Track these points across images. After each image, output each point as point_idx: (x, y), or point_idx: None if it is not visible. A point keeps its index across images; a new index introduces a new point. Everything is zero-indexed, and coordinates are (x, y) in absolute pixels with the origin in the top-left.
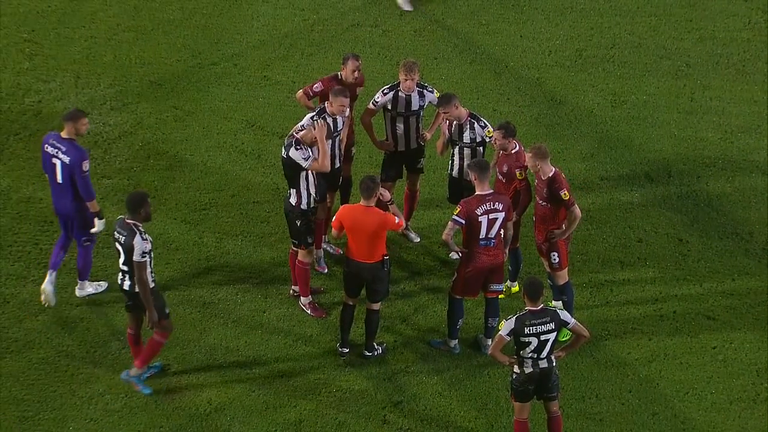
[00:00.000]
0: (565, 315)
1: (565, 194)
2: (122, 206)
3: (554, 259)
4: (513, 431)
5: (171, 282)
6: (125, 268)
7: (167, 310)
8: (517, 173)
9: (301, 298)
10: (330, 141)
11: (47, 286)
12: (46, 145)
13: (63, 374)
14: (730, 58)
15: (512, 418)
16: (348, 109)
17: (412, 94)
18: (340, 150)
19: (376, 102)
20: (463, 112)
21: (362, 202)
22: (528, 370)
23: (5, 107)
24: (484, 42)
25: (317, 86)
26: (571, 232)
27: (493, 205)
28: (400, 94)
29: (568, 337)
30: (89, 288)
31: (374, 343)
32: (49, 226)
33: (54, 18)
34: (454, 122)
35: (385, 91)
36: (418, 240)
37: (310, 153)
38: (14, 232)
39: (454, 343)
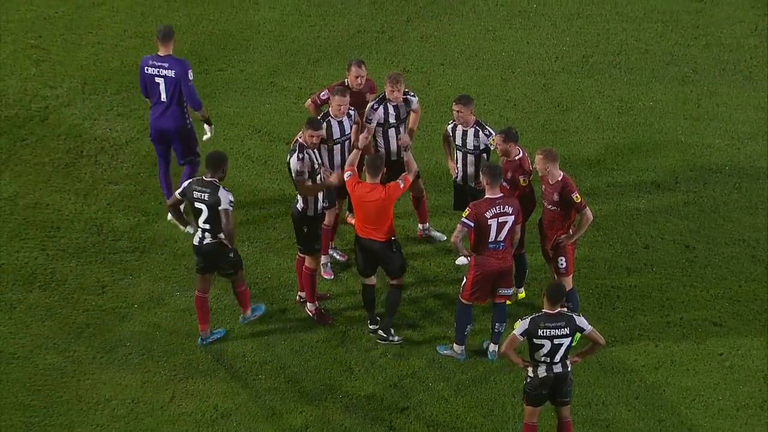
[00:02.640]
0: (581, 321)
1: (576, 197)
2: (130, 212)
3: (561, 264)
4: None
5: (177, 288)
6: (207, 226)
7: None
8: (521, 180)
9: (308, 304)
10: (338, 146)
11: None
12: (146, 68)
13: (69, 380)
14: (736, 65)
15: (518, 424)
16: (353, 111)
17: (399, 104)
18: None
19: (371, 120)
20: (471, 118)
21: (369, 180)
22: (542, 374)
23: (12, 113)
24: (490, 48)
25: (324, 94)
26: (580, 236)
27: (503, 209)
28: (389, 105)
29: (574, 343)
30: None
31: (392, 329)
32: (56, 232)
33: (61, 24)
34: (459, 127)
35: (375, 107)
36: (445, 238)
37: (306, 170)
38: (21, 237)
39: (460, 349)
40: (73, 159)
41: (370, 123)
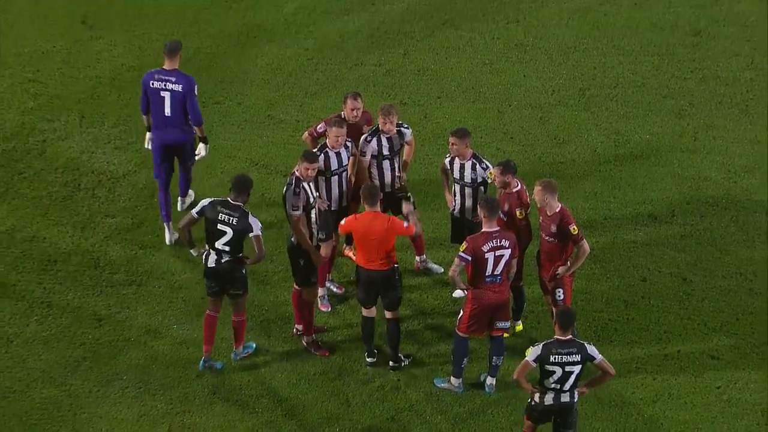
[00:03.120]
0: (592, 350)
1: (573, 229)
2: (127, 245)
3: (559, 296)
4: None
5: (174, 321)
6: (227, 248)
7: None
8: (518, 212)
9: (305, 336)
10: (336, 177)
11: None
12: (151, 82)
13: (66, 414)
14: (733, 98)
15: None
16: (350, 143)
17: (392, 136)
18: (348, 187)
19: (365, 153)
20: (467, 151)
21: (368, 209)
22: (548, 402)
23: (10, 147)
24: (487, 81)
25: (321, 127)
26: (577, 268)
27: (500, 242)
28: (382, 137)
29: None
30: (187, 199)
31: (400, 354)
32: (53, 265)
33: (58, 58)
34: (457, 160)
35: (368, 139)
36: (442, 270)
37: (300, 204)
38: (18, 270)
39: (458, 382)
40: (70, 192)
41: (364, 155)
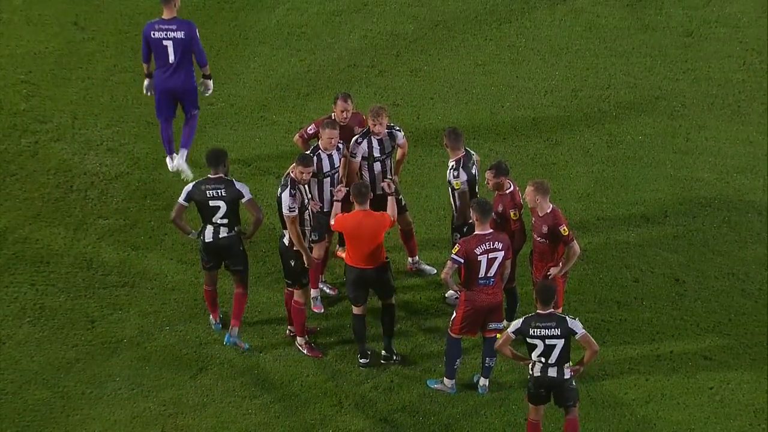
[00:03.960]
0: (574, 324)
1: (564, 230)
2: (119, 247)
3: None
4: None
5: (167, 322)
6: (225, 221)
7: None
8: (512, 213)
9: (297, 338)
10: (328, 179)
11: (180, 162)
12: (152, 32)
13: (59, 416)
14: (725, 99)
15: None
16: (342, 145)
17: (383, 137)
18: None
19: (355, 155)
20: (460, 154)
21: (358, 208)
22: (537, 374)
23: (2, 148)
24: (480, 82)
25: (311, 128)
26: (569, 268)
27: (493, 245)
28: (373, 139)
29: None
30: (185, 167)
31: (393, 348)
32: (46, 267)
33: (51, 59)
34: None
35: (359, 141)
36: (435, 271)
37: (296, 205)
38: (10, 272)
39: (451, 383)
40: (62, 194)
41: (354, 157)
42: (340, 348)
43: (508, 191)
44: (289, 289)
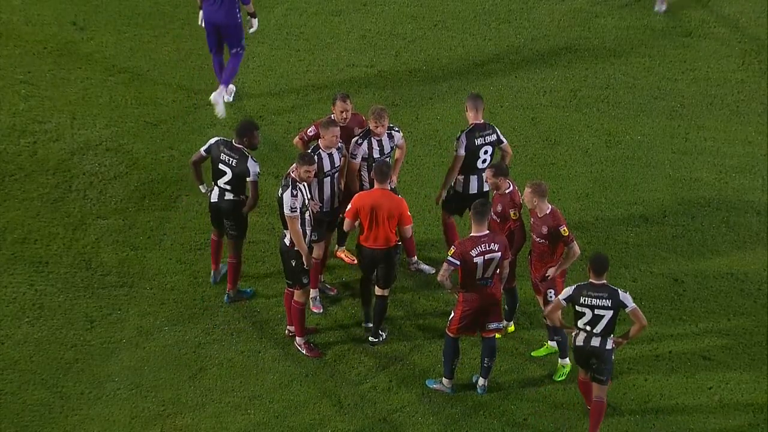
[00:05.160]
0: (625, 297)
1: (564, 230)
2: (118, 247)
3: (550, 296)
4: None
5: (166, 322)
6: (228, 187)
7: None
8: (511, 213)
9: (297, 338)
10: (328, 179)
11: (216, 97)
12: None
13: (57, 416)
14: (724, 99)
15: None
16: (341, 144)
17: (383, 138)
18: (339, 189)
19: (355, 155)
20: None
21: (377, 186)
22: (579, 342)
23: (1, 148)
24: (478, 82)
25: (311, 130)
26: (566, 267)
27: (489, 246)
28: (373, 140)
29: (563, 378)
30: (226, 96)
31: (379, 330)
32: (44, 267)
33: (50, 59)
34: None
35: (359, 142)
36: (434, 270)
37: (298, 206)
38: (9, 273)
39: (449, 382)
40: (61, 194)
41: (354, 158)
42: (340, 348)
43: (507, 191)
44: (289, 289)
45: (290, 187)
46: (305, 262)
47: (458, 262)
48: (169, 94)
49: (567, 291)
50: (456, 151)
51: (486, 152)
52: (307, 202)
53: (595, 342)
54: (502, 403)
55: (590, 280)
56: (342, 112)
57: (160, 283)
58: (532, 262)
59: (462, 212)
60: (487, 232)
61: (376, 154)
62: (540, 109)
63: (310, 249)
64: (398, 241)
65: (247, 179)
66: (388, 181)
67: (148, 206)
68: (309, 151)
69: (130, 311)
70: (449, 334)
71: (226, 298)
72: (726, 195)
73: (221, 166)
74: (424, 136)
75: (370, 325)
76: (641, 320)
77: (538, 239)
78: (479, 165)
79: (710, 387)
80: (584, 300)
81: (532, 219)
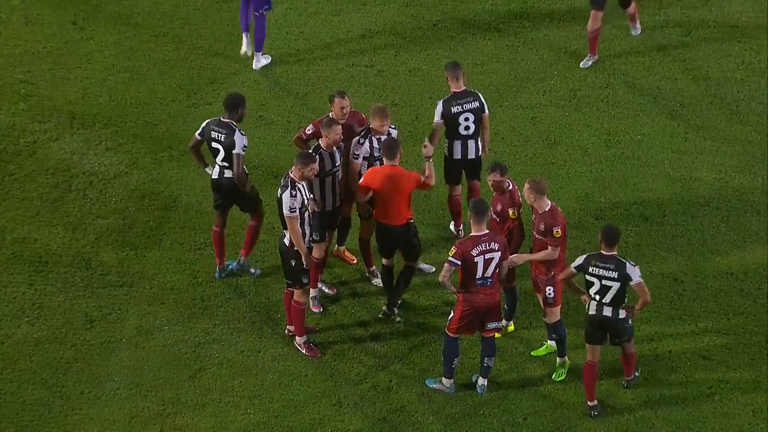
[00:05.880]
0: (632, 270)
1: (557, 232)
2: (118, 247)
3: (549, 294)
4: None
5: (165, 322)
6: (225, 163)
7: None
8: (510, 212)
9: (296, 337)
10: (329, 178)
11: (257, 65)
12: None
13: (57, 415)
14: (723, 99)
15: None
16: (341, 143)
17: (382, 137)
18: (340, 188)
19: (357, 155)
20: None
21: (387, 162)
22: (592, 312)
23: (0, 147)
24: (478, 81)
25: (310, 129)
26: (535, 259)
27: (489, 245)
28: (374, 139)
29: (562, 377)
30: (263, 60)
31: (396, 308)
32: (44, 267)
33: (50, 59)
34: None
35: (361, 142)
36: (433, 269)
37: (297, 206)
38: (9, 272)
39: (449, 382)
40: (61, 193)
41: (356, 158)
42: (339, 347)
43: (507, 189)
44: (289, 288)
45: (289, 187)
46: (305, 262)
47: (459, 262)
48: (169, 93)
49: (578, 260)
50: (433, 121)
51: (467, 119)
52: (306, 202)
53: (607, 312)
54: (501, 403)
55: (601, 250)
56: (341, 108)
57: (159, 282)
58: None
59: (458, 179)
60: (487, 231)
61: (376, 153)
62: (540, 108)
63: (310, 249)
64: (411, 219)
65: (233, 151)
66: (398, 156)
67: (148, 206)
68: (310, 151)
69: (129, 311)
70: (449, 333)
71: (235, 263)
72: (726, 195)
73: (214, 145)
74: (424, 135)
75: (384, 309)
76: (645, 295)
77: (537, 236)
78: (461, 132)
79: (710, 387)
80: (592, 270)
81: (533, 216)
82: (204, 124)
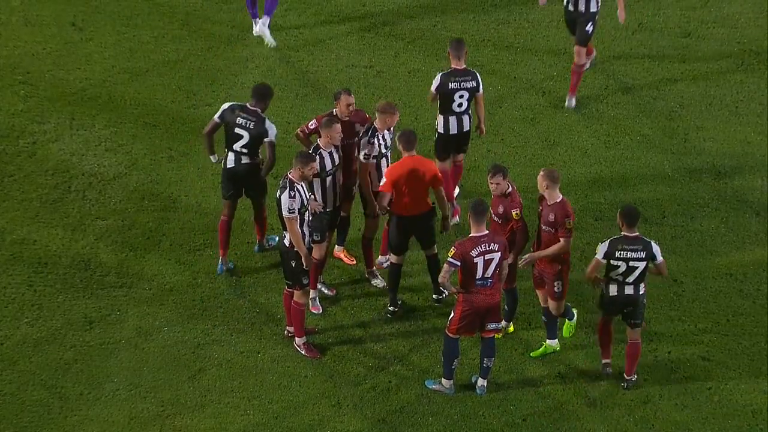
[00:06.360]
0: (656, 249)
1: (569, 223)
2: (117, 248)
3: (558, 289)
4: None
5: (165, 323)
6: (245, 150)
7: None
8: (514, 213)
9: (296, 338)
10: (330, 178)
11: (263, 29)
12: None
13: (56, 416)
14: (723, 100)
15: None
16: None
17: (384, 132)
18: (340, 187)
19: (369, 155)
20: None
21: (406, 155)
22: (612, 293)
23: (0, 149)
24: None
25: (313, 124)
26: (546, 255)
27: (489, 246)
28: (379, 136)
29: (571, 333)
30: (268, 32)
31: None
32: (44, 268)
33: (49, 60)
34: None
35: (371, 141)
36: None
37: (296, 207)
38: (8, 273)
39: (449, 383)
40: (60, 194)
41: (368, 159)
42: (339, 348)
43: (508, 192)
44: (289, 289)
45: (288, 188)
46: (304, 263)
47: (458, 263)
48: (168, 95)
49: (602, 248)
50: (429, 91)
51: (462, 96)
52: (305, 202)
53: (629, 290)
54: (501, 404)
55: (623, 233)
56: (348, 105)
57: (159, 283)
58: (536, 251)
59: (448, 155)
60: (487, 232)
61: (383, 150)
62: (539, 109)
63: (310, 250)
64: (433, 205)
65: (265, 140)
66: (415, 147)
67: (147, 207)
68: (311, 149)
69: (129, 312)
70: (449, 334)
71: (257, 247)
72: (725, 196)
73: (237, 130)
74: (423, 136)
75: (394, 309)
76: (664, 272)
77: (544, 227)
78: (455, 108)
79: (709, 387)
80: (620, 254)
81: (541, 207)
82: (225, 107)
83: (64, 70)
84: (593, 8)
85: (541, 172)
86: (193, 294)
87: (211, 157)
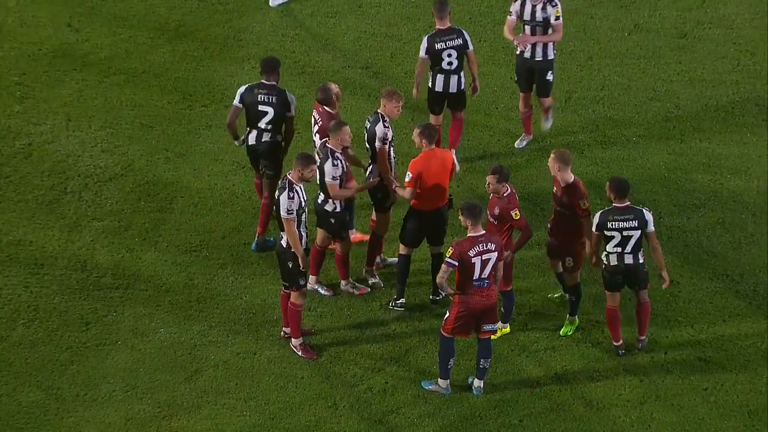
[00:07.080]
0: (649, 217)
1: (584, 203)
2: (114, 249)
3: (569, 263)
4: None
5: (161, 324)
6: (269, 126)
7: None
8: (513, 214)
9: (293, 339)
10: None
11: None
12: None
13: (52, 418)
14: (719, 101)
15: None
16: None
17: (389, 122)
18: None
19: (385, 140)
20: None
21: (426, 149)
22: (613, 262)
23: None
24: None
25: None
26: (590, 248)
27: (486, 246)
28: (387, 123)
29: (569, 334)
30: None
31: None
32: (40, 269)
33: (45, 61)
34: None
35: (386, 125)
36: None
37: (294, 208)
38: (4, 275)
39: (445, 383)
40: (57, 196)
41: (384, 144)
42: (335, 349)
43: (505, 194)
44: (285, 290)
45: (287, 189)
46: (301, 264)
47: (457, 263)
48: (165, 96)
49: (594, 220)
50: (419, 56)
51: (450, 55)
52: (303, 204)
53: (629, 259)
54: (498, 405)
55: (614, 204)
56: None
57: (155, 284)
58: (551, 228)
59: (438, 111)
60: (484, 232)
61: (391, 135)
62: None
63: (307, 251)
64: (451, 195)
65: (287, 114)
66: (435, 141)
67: (144, 208)
68: (324, 155)
69: (125, 313)
70: (444, 334)
71: (254, 245)
72: (721, 196)
73: (262, 108)
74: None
75: (402, 300)
76: (657, 246)
77: (559, 208)
78: (444, 66)
79: (706, 388)
80: (612, 224)
81: (554, 188)
82: (242, 90)
83: (60, 71)
84: (550, 55)
85: (552, 155)
86: (190, 295)
87: (236, 142)
